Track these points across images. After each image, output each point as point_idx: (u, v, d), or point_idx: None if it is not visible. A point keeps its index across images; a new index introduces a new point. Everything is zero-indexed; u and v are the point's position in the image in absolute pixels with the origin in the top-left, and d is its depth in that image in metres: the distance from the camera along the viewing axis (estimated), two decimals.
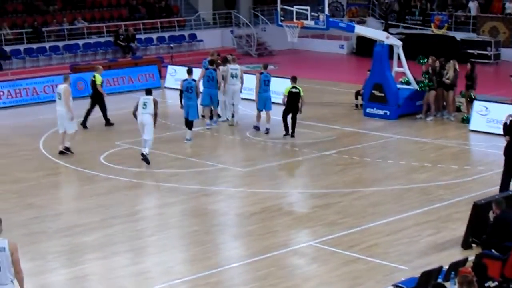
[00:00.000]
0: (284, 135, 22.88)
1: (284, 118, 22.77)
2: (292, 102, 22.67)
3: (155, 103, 20.03)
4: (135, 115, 20.16)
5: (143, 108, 19.95)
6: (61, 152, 20.94)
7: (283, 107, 22.87)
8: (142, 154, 20.03)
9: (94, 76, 24.70)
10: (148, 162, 19.88)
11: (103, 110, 24.69)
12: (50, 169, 19.98)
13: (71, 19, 37.89)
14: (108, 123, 24.64)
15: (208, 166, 20.07)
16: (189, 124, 22.36)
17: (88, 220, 16.21)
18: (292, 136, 22.76)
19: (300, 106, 22.65)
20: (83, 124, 24.06)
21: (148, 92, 20.68)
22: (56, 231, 15.50)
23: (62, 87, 21.06)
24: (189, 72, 22.93)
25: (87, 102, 24.70)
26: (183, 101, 22.44)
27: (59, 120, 21.06)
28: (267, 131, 23.32)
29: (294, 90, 22.69)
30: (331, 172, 19.54)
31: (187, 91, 22.32)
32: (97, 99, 24.58)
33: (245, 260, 14.00)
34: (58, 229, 15.63)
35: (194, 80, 22.58)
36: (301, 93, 22.71)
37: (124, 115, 25.06)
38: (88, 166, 20.23)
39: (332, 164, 20.21)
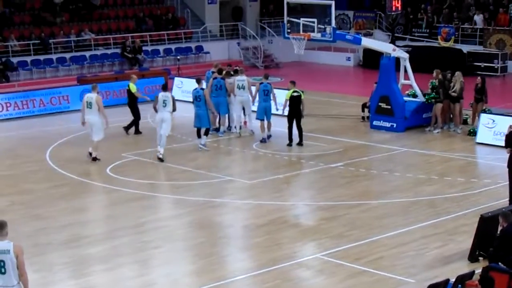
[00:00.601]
0: (288, 144, 22.91)
1: (290, 125, 22.81)
2: (295, 107, 22.72)
3: (173, 100, 21.44)
4: (155, 109, 21.43)
5: (163, 106, 21.29)
6: (94, 159, 21.31)
7: (284, 117, 22.96)
8: (159, 158, 21.23)
9: (128, 85, 25.03)
10: (162, 161, 21.16)
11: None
12: (57, 180, 19.99)
13: (78, 30, 37.99)
14: (127, 129, 24.82)
15: (214, 178, 20.07)
16: (205, 133, 22.52)
17: (95, 231, 16.23)
18: (301, 144, 22.84)
19: (302, 110, 22.75)
20: (136, 131, 24.87)
21: (165, 87, 22.08)
22: (62, 243, 15.49)
23: (94, 96, 21.18)
24: (198, 81, 23.05)
25: None
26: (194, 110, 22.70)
27: (90, 128, 21.32)
28: (269, 137, 23.40)
29: (295, 94, 22.75)
30: (338, 185, 19.52)
31: (196, 99, 22.41)
32: (133, 107, 24.89)
33: (252, 272, 13.96)
34: (64, 240, 15.62)
35: (203, 89, 22.64)
36: (302, 96, 22.78)
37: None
38: (95, 177, 20.29)
39: (338, 177, 20.18)
